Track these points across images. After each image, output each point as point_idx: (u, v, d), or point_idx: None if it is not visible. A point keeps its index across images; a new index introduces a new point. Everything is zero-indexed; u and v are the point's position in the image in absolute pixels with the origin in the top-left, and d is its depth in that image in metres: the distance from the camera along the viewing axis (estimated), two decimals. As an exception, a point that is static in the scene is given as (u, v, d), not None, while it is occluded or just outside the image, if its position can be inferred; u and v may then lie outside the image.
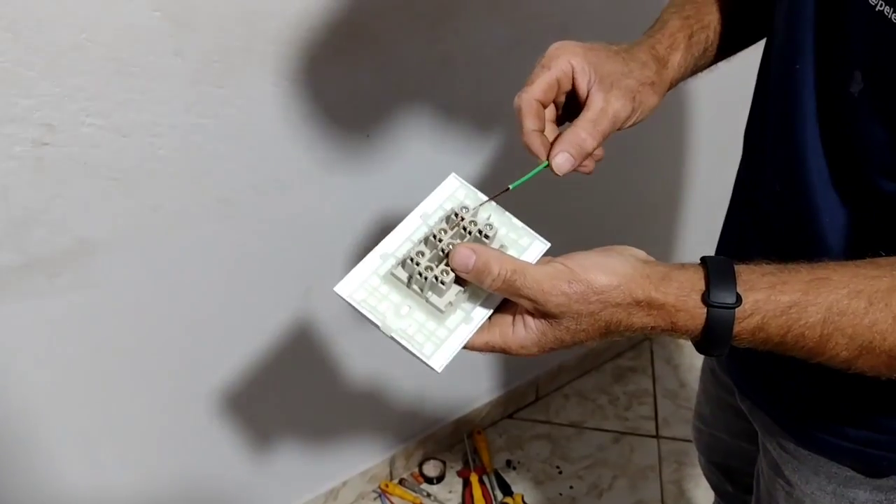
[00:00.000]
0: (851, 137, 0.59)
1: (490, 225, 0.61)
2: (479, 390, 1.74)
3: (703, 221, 1.79)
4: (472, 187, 0.64)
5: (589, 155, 0.61)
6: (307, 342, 1.33)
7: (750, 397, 0.84)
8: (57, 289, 1.00)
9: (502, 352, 0.57)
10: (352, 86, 1.09)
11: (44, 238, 0.95)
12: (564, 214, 1.51)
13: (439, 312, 0.57)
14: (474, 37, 1.18)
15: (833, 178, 0.63)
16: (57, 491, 1.18)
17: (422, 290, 0.57)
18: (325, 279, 1.26)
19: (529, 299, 0.53)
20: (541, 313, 0.54)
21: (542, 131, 0.62)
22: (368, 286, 0.58)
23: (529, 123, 0.61)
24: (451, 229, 0.60)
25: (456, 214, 0.61)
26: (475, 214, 0.62)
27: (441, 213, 0.62)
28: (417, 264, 0.57)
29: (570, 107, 0.65)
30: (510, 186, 0.62)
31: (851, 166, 0.61)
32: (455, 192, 0.64)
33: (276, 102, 1.04)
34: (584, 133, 0.61)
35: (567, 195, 1.48)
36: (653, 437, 1.80)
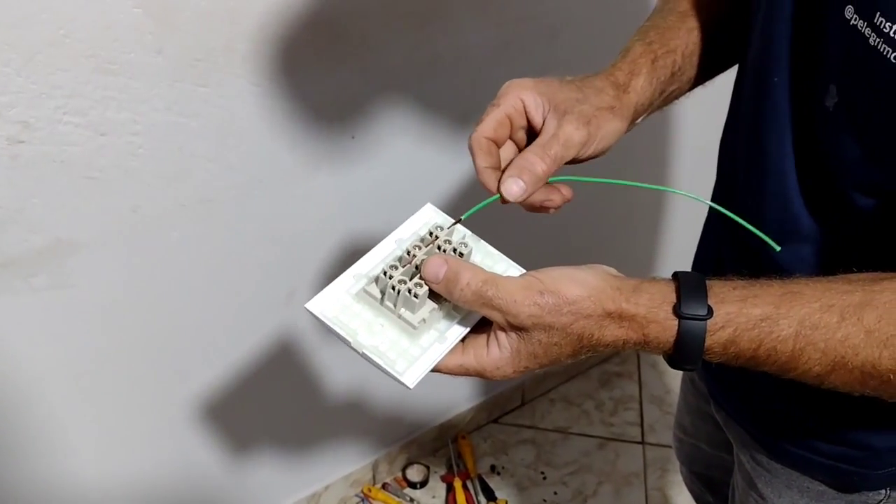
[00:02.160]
0: (826, 151, 0.59)
1: (465, 243, 0.60)
2: (463, 394, 1.74)
3: (682, 234, 1.78)
4: (447, 216, 0.64)
5: (543, 181, 0.60)
6: (290, 344, 1.32)
7: (725, 409, 0.84)
8: (33, 289, 0.98)
9: (477, 374, 0.56)
10: (337, 86, 1.08)
11: (20, 237, 0.94)
12: (542, 228, 1.50)
13: (412, 329, 0.56)
14: (462, 38, 1.17)
15: (807, 192, 0.62)
16: (32, 493, 1.17)
17: (395, 306, 0.57)
18: (309, 281, 1.25)
19: (501, 311, 0.52)
20: (512, 326, 0.53)
21: (498, 168, 0.61)
22: (340, 304, 0.58)
23: (481, 161, 0.60)
24: (426, 246, 0.60)
25: (430, 233, 0.61)
26: (450, 234, 0.61)
27: (416, 240, 0.61)
28: (390, 278, 0.57)
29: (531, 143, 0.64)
30: (462, 217, 0.62)
31: (826, 180, 0.60)
32: (430, 220, 0.63)
33: (260, 102, 1.03)
34: (532, 157, 0.59)
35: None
36: (638, 443, 1.80)
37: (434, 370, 0.57)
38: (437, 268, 0.55)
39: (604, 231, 1.69)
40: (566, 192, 0.63)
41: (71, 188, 0.94)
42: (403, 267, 0.58)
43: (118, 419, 1.20)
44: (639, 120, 0.68)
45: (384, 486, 1.68)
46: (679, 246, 1.84)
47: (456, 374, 0.57)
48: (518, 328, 0.53)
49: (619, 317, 0.52)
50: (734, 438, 0.84)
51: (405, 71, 1.14)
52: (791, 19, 0.59)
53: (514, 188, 0.59)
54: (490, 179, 0.60)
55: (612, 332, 0.52)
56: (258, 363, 1.30)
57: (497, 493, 1.67)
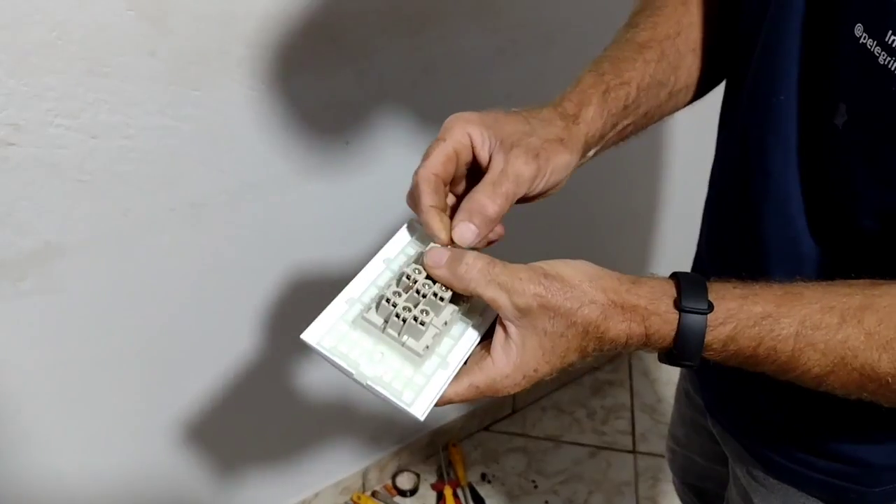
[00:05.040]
0: (834, 171, 0.58)
1: None
2: (455, 402, 1.73)
3: (680, 237, 1.79)
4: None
5: (496, 222, 0.58)
6: (280, 351, 1.31)
7: (721, 423, 0.83)
8: (21, 293, 0.97)
9: (488, 389, 0.54)
10: (331, 91, 1.07)
11: (8, 240, 0.93)
12: (533, 233, 1.50)
13: (416, 357, 0.54)
14: (457, 44, 1.16)
15: (810, 213, 0.62)
16: (15, 496, 1.15)
17: (398, 334, 0.55)
18: (300, 289, 1.24)
19: (506, 289, 0.51)
20: (517, 308, 0.51)
21: (442, 209, 0.58)
22: (337, 332, 0.56)
23: (427, 199, 0.56)
24: (425, 270, 0.57)
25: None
26: None
27: (403, 258, 0.60)
28: (395, 305, 0.54)
29: (475, 179, 0.60)
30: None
31: (831, 201, 0.60)
32: (412, 241, 0.62)
33: (253, 106, 1.02)
34: (483, 198, 0.56)
35: (543, 208, 1.47)
36: (629, 452, 1.79)
37: (446, 402, 0.55)
38: (440, 252, 0.55)
39: (602, 228, 1.69)
40: (499, 229, 0.61)
41: (61, 191, 0.93)
42: (406, 293, 0.55)
43: (105, 424, 1.18)
44: (591, 153, 0.65)
45: (374, 494, 1.67)
46: (678, 245, 1.84)
47: (468, 400, 0.55)
48: (523, 311, 0.51)
49: (622, 307, 0.52)
50: (730, 452, 0.84)
51: (400, 76, 1.13)
52: (800, 37, 0.58)
53: (467, 234, 0.56)
54: (434, 220, 0.57)
55: (616, 325, 0.52)
56: (247, 369, 1.29)
57: (488, 502, 1.66)
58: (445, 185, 0.59)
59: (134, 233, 1.02)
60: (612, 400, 1.91)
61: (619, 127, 0.67)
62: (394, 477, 1.69)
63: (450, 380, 0.55)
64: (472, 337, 0.57)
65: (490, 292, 0.52)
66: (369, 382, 0.54)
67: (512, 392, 0.54)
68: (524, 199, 0.60)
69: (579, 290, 0.52)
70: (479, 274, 0.52)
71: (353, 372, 0.54)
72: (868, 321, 0.50)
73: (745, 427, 0.80)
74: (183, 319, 1.15)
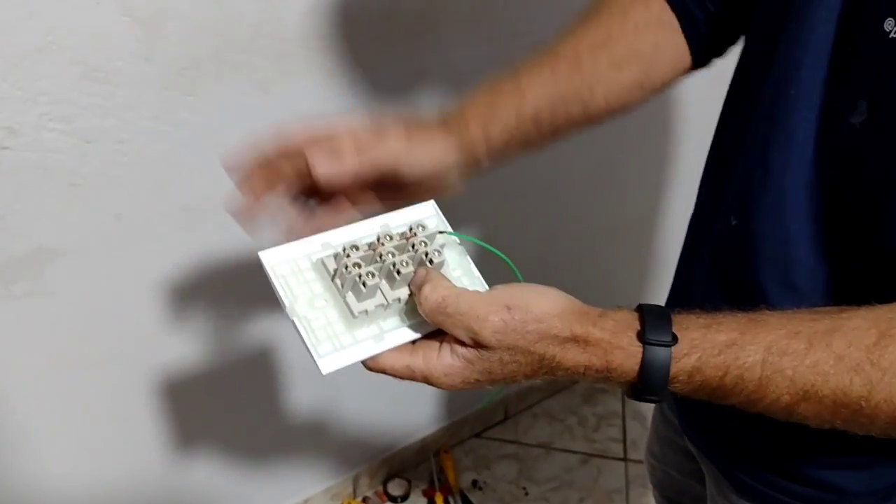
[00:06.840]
0: (845, 171, 0.56)
1: (439, 251, 0.57)
2: (446, 409, 1.73)
3: (676, 246, 1.79)
4: (446, 221, 0.61)
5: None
6: (272, 356, 1.31)
7: (696, 444, 0.82)
8: (13, 296, 0.97)
9: (423, 379, 0.54)
10: (324, 98, 1.08)
11: (1, 244, 0.93)
12: (537, 237, 1.51)
13: (351, 317, 0.54)
14: (452, 52, 1.17)
15: (813, 214, 0.59)
16: (3, 499, 1.15)
17: (342, 287, 0.54)
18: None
19: (463, 327, 0.51)
20: (475, 342, 0.51)
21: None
22: (296, 266, 0.55)
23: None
24: (399, 239, 0.57)
25: (411, 228, 0.58)
26: (432, 238, 0.58)
27: (402, 230, 0.59)
28: (348, 256, 0.54)
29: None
30: (448, 232, 0.61)
31: (839, 202, 0.57)
32: (426, 218, 0.61)
33: (247, 112, 1.02)
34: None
35: (540, 215, 1.47)
36: (620, 459, 1.79)
37: (378, 370, 0.54)
38: (417, 275, 0.55)
39: (592, 245, 1.69)
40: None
41: (54, 195, 0.93)
42: (365, 252, 0.55)
43: (94, 429, 1.18)
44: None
45: (365, 500, 1.67)
46: (667, 263, 1.85)
47: (400, 376, 0.54)
48: (481, 345, 0.51)
49: (585, 341, 0.51)
50: (707, 472, 0.82)
51: (393, 84, 1.14)
52: (832, 31, 0.56)
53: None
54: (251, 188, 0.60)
55: (575, 357, 0.51)
56: (239, 374, 1.29)
57: (478, 509, 1.66)
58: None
59: (126, 237, 1.02)
60: (604, 408, 1.91)
61: (528, 139, 0.68)
62: (385, 483, 1.69)
63: (375, 353, 0.54)
64: (424, 326, 0.56)
65: (447, 328, 0.52)
66: (295, 319, 0.53)
67: (445, 389, 0.54)
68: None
69: (545, 323, 0.51)
70: (430, 310, 0.52)
71: (287, 304, 0.53)
72: (837, 344, 0.48)
73: (718, 448, 0.78)
74: (175, 323, 1.15)
